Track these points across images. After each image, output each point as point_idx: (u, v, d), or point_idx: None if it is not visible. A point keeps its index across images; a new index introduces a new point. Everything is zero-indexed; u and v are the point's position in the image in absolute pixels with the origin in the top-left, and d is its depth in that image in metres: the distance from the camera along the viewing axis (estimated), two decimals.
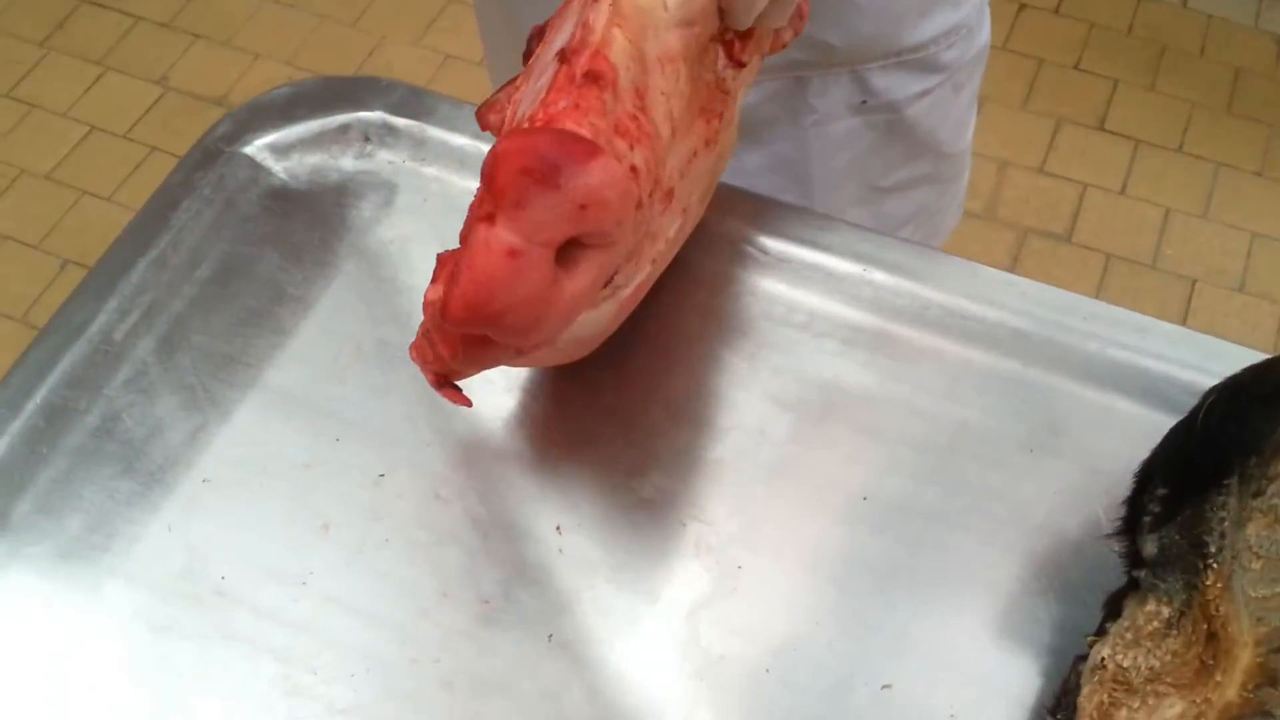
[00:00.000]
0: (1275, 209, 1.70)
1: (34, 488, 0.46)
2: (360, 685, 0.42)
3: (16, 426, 0.47)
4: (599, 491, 0.45)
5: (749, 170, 0.67)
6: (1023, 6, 1.92)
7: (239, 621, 0.43)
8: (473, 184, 0.51)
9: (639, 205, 0.38)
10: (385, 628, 0.43)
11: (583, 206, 0.34)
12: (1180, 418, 0.41)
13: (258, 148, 0.55)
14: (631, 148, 0.37)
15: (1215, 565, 0.38)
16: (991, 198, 1.71)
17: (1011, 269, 1.64)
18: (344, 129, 0.55)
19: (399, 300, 0.51)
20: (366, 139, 0.55)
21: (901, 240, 0.52)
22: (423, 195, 0.54)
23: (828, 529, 0.44)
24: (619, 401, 0.47)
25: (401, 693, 0.41)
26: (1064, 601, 0.42)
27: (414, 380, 0.46)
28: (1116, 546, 0.41)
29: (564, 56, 0.37)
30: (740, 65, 0.43)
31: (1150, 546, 0.39)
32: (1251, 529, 0.38)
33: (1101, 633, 0.39)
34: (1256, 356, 0.44)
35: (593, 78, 0.37)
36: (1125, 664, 0.38)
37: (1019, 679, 0.41)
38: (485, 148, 0.51)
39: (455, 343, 0.38)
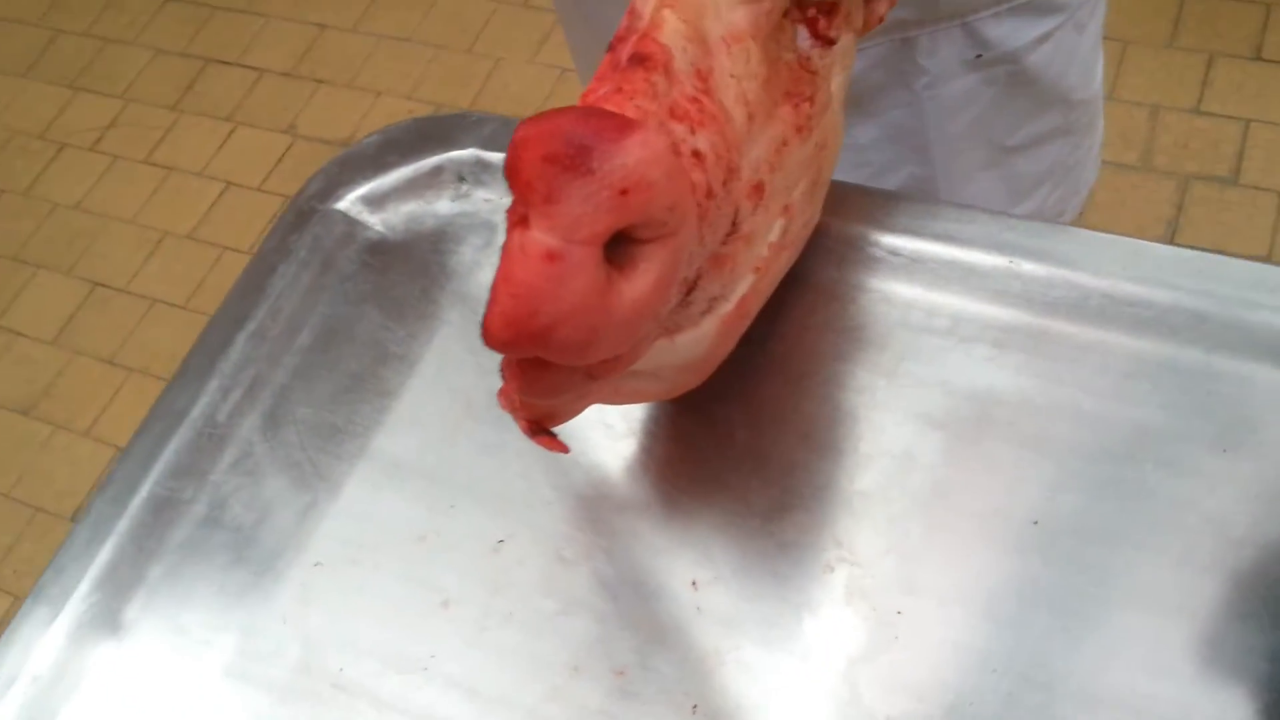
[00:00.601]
0: None
1: (144, 586, 0.45)
2: None
3: (123, 525, 0.46)
4: (735, 538, 0.42)
5: (862, 144, 0.63)
6: None
7: (360, 716, 0.41)
8: None
9: (709, 194, 0.34)
10: (514, 711, 0.40)
11: (624, 192, 0.29)
12: None
13: (350, 201, 0.53)
14: (693, 131, 0.33)
15: None
16: (1146, 146, 1.62)
17: (1176, 220, 1.55)
18: (437, 171, 0.53)
19: None
20: (461, 179, 0.53)
21: (1049, 224, 0.46)
22: None
23: (995, 561, 0.40)
24: (748, 436, 0.44)
25: None
26: (1278, 625, 0.37)
27: None
28: None
29: (611, 46, 0.34)
30: (828, 43, 0.39)
31: None
32: None
33: None
34: None
35: (639, 59, 0.33)
36: None
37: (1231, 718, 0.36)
38: None
39: (514, 371, 0.34)
